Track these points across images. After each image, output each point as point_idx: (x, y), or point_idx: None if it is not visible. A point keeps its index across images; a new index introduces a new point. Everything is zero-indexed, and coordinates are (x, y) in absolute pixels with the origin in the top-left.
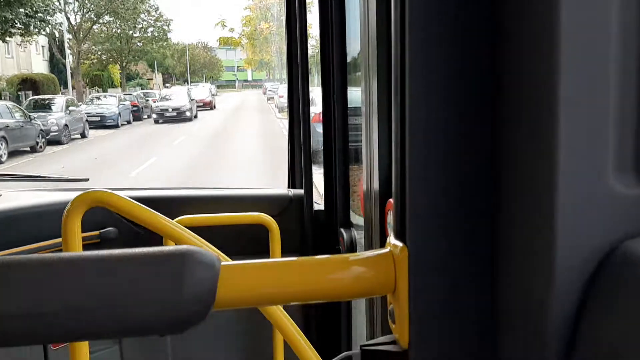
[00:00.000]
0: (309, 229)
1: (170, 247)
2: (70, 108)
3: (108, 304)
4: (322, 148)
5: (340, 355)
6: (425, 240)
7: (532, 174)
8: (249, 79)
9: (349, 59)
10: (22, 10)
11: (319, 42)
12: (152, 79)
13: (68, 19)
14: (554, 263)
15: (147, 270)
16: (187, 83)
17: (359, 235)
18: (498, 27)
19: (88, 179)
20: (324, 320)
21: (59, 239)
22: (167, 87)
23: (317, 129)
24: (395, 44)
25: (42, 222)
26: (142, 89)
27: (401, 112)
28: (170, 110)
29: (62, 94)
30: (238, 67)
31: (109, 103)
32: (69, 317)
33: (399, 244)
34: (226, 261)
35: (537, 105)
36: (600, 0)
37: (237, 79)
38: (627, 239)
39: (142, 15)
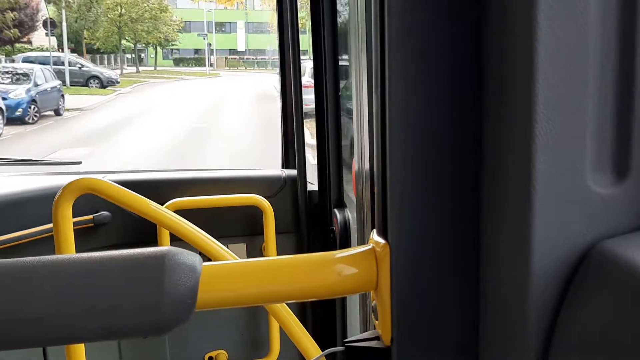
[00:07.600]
0: (303, 209)
1: (150, 250)
2: None
3: (88, 309)
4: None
5: (325, 351)
6: (406, 238)
7: (511, 173)
8: (241, 48)
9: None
10: None
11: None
12: None
13: None
14: (532, 261)
15: (127, 275)
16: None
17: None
18: (480, 21)
19: (80, 162)
20: (320, 310)
21: (51, 224)
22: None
23: None
24: (376, 47)
25: (33, 208)
26: None
27: (381, 111)
28: None
29: None
30: (217, 23)
31: None
32: (49, 323)
33: (381, 241)
34: (216, 245)
35: (515, 105)
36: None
37: (209, 46)
38: (604, 239)
39: None
